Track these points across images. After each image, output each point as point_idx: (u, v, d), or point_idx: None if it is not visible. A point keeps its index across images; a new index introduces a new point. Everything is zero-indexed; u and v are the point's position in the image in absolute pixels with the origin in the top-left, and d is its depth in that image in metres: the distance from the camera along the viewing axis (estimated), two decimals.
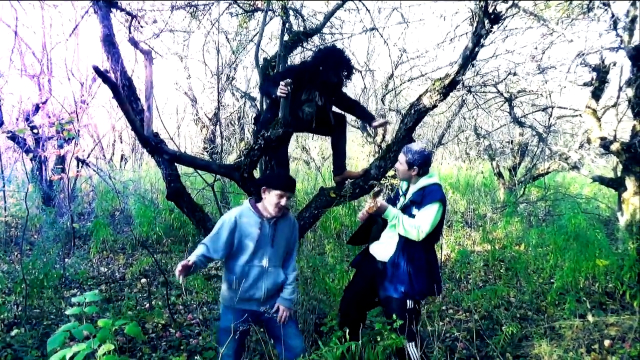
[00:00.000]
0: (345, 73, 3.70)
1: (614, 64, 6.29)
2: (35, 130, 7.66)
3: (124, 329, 2.28)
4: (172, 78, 20.91)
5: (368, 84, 8.93)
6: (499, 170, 10.79)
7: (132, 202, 7.77)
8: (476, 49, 3.53)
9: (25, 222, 5.07)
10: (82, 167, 7.97)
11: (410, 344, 2.87)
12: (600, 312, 4.30)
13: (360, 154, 11.20)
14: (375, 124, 3.88)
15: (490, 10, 3.34)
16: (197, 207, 4.18)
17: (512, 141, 10.87)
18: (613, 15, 5.63)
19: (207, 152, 9.57)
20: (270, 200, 2.81)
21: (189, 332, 4.03)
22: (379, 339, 2.76)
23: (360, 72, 7.11)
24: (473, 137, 12.33)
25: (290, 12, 4.78)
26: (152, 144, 3.68)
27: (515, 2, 3.50)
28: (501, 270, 5.79)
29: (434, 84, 3.65)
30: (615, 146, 5.88)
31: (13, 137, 7.65)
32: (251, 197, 3.01)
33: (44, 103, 7.81)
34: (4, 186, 7.55)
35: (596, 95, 6.47)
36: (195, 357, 3.55)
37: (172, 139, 5.82)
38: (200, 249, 2.78)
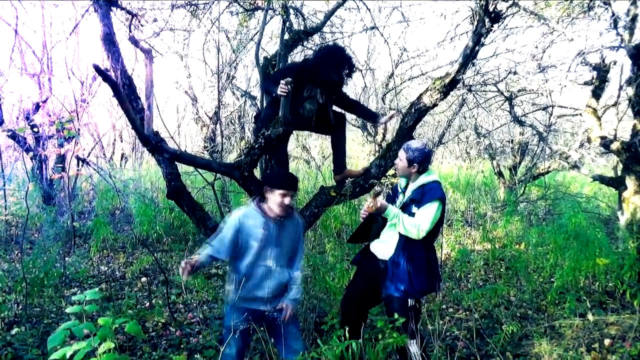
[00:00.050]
0: (347, 71, 3.70)
1: (615, 63, 6.28)
2: (35, 129, 7.66)
3: (124, 327, 2.29)
4: (172, 77, 20.93)
5: (368, 83, 8.93)
6: (499, 170, 10.79)
7: (133, 201, 7.78)
8: (477, 48, 3.53)
9: (25, 221, 5.08)
10: (82, 166, 7.97)
11: (412, 342, 2.87)
12: (601, 311, 4.31)
13: (360, 153, 11.20)
14: (382, 120, 3.88)
15: (491, 9, 3.34)
16: (198, 205, 4.18)
17: (512, 140, 10.87)
18: (613, 14, 5.62)
19: (207, 151, 9.57)
20: (274, 200, 2.82)
21: (189, 331, 4.03)
22: (379, 338, 2.76)
23: (361, 71, 7.10)
24: (473, 136, 12.33)
25: (291, 10, 4.77)
26: (153, 143, 3.68)
27: (516, 1, 3.49)
28: (501, 269, 5.79)
29: (434, 83, 3.65)
30: (615, 145, 5.87)
31: (13, 136, 7.65)
32: (256, 197, 3.02)
33: (44, 102, 7.81)
34: (4, 185, 7.56)
35: (596, 94, 6.46)
36: (196, 356, 3.55)
37: (172, 137, 5.82)
38: (206, 249, 2.80)
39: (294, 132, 4.01)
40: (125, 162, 14.97)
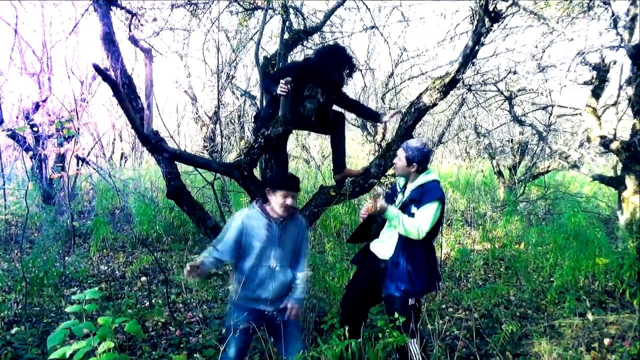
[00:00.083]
0: (347, 71, 3.70)
1: (614, 63, 6.29)
2: (35, 129, 7.66)
3: (124, 327, 2.29)
4: (172, 76, 20.90)
5: (368, 82, 8.92)
6: (499, 169, 10.80)
7: (132, 201, 7.77)
8: (476, 48, 3.53)
9: (25, 221, 5.08)
10: (82, 165, 7.97)
11: (412, 341, 2.87)
12: (600, 310, 4.31)
13: (360, 152, 11.20)
14: (386, 118, 3.88)
15: (491, 9, 3.34)
16: (197, 205, 4.18)
17: (512, 140, 10.87)
18: (613, 14, 5.63)
19: (207, 150, 9.57)
20: (276, 201, 2.83)
21: (189, 331, 4.03)
22: (379, 337, 2.76)
23: (361, 71, 7.10)
24: (473, 136, 12.33)
25: (291, 10, 4.77)
26: (152, 142, 3.68)
27: (516, 0, 3.49)
28: (501, 269, 5.79)
29: (434, 83, 3.65)
30: (615, 145, 5.88)
31: (13, 136, 7.65)
32: (259, 199, 3.02)
33: (44, 101, 7.81)
34: (4, 184, 7.55)
35: (596, 93, 6.47)
36: (195, 355, 3.55)
37: (172, 137, 5.81)
38: (208, 250, 2.83)
39: (293, 131, 4.01)
40: (125, 161, 14.96)
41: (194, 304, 4.65)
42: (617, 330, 3.83)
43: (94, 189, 8.93)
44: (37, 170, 8.14)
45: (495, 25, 3.47)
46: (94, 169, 7.78)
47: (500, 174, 10.72)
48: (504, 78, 7.10)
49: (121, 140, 15.29)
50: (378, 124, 8.42)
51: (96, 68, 3.01)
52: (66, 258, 5.77)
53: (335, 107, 3.98)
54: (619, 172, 6.39)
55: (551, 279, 5.10)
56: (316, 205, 3.93)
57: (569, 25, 6.13)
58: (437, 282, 3.12)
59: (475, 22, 3.47)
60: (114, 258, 6.23)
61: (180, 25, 5.97)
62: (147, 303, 4.60)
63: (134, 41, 4.07)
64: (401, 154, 3.07)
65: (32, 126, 7.66)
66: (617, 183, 6.23)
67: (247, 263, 2.86)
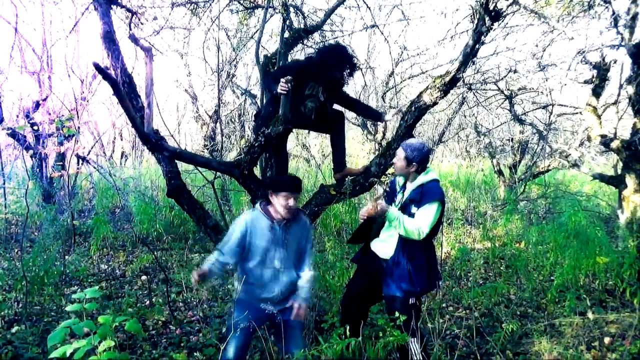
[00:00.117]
0: (348, 70, 3.71)
1: (615, 62, 6.28)
2: (35, 127, 7.66)
3: (124, 325, 2.29)
4: (172, 75, 20.89)
5: (368, 81, 8.93)
6: (499, 168, 10.80)
7: (133, 200, 7.77)
8: (477, 46, 3.52)
9: (25, 220, 5.08)
10: (82, 164, 7.96)
11: (412, 340, 2.87)
12: (600, 309, 4.31)
13: (360, 151, 11.21)
14: (386, 117, 3.88)
15: (491, 8, 3.34)
16: (198, 204, 4.18)
17: (512, 139, 10.86)
18: (614, 13, 5.61)
19: (207, 149, 9.57)
20: (279, 202, 2.85)
21: (189, 329, 4.04)
22: (379, 336, 2.76)
23: (361, 70, 7.10)
24: (473, 135, 12.33)
25: (291, 9, 4.77)
26: (153, 141, 3.68)
27: None
28: (501, 268, 5.79)
29: (434, 82, 3.65)
30: (615, 144, 5.87)
31: (13, 134, 7.65)
32: (262, 200, 3.02)
33: (44, 100, 7.80)
34: (4, 183, 7.55)
35: (596, 92, 6.46)
36: (196, 354, 3.56)
37: (172, 136, 5.81)
38: (214, 255, 2.84)
39: (293, 130, 4.01)
40: (125, 160, 14.98)
41: (194, 302, 4.65)
42: (617, 329, 3.83)
43: (94, 188, 8.93)
44: (38, 169, 8.14)
45: (496, 24, 3.46)
46: (94, 167, 7.77)
47: (500, 172, 10.72)
48: (505, 77, 7.10)
49: (121, 139, 15.30)
50: (378, 122, 8.42)
51: (96, 67, 3.01)
52: (66, 257, 5.78)
53: (335, 106, 3.98)
54: (619, 171, 6.38)
55: (551, 278, 5.10)
56: (316, 204, 3.93)
57: (569, 24, 6.12)
58: (438, 281, 3.12)
59: (476, 21, 3.47)
60: (114, 257, 6.23)
61: (180, 24, 5.98)
62: (148, 302, 4.61)
63: (134, 40, 4.07)
64: (400, 154, 3.06)
65: (32, 125, 7.66)
66: (617, 182, 6.22)
67: (251, 264, 2.88)
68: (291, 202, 2.83)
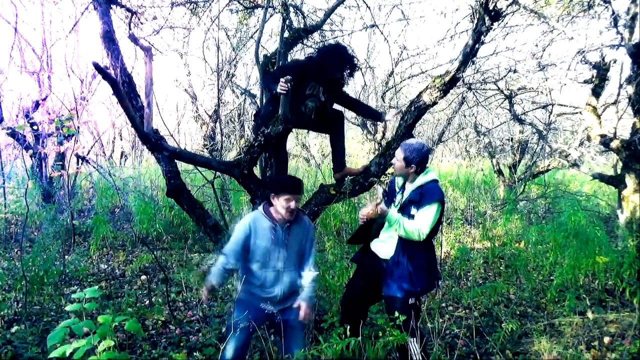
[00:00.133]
0: (348, 70, 3.71)
1: (614, 62, 6.29)
2: (35, 127, 7.65)
3: (123, 325, 2.29)
4: (172, 75, 20.89)
5: (368, 81, 8.92)
6: (499, 168, 10.80)
7: (132, 199, 7.77)
8: (476, 46, 3.53)
9: (25, 219, 5.08)
10: (82, 164, 7.96)
11: (412, 340, 2.87)
12: (600, 309, 4.31)
13: (360, 151, 11.21)
14: (387, 117, 3.88)
15: (491, 7, 3.34)
16: (197, 204, 4.18)
17: (512, 139, 10.87)
18: (613, 13, 5.62)
19: (207, 149, 9.57)
20: (280, 204, 2.85)
21: (189, 329, 4.03)
22: (379, 335, 2.76)
23: (360, 69, 7.10)
24: (473, 135, 12.34)
25: (291, 8, 4.77)
26: (152, 141, 3.68)
27: None
28: (501, 268, 5.79)
29: (434, 81, 3.65)
30: (615, 143, 5.88)
31: (13, 134, 7.65)
32: (264, 202, 3.03)
33: (43, 100, 7.80)
34: (4, 183, 7.55)
35: (596, 92, 6.47)
36: (195, 354, 3.55)
37: (172, 135, 5.81)
38: (219, 261, 2.85)
39: (293, 130, 4.02)
40: (125, 160, 14.97)
41: (194, 302, 4.65)
42: (617, 329, 3.83)
43: (94, 188, 8.92)
44: (37, 169, 8.14)
45: (496, 23, 3.47)
46: (94, 167, 7.77)
47: (500, 172, 10.73)
48: (504, 77, 7.11)
49: (121, 139, 15.30)
50: (378, 122, 8.42)
51: (96, 66, 3.01)
52: (66, 257, 5.77)
53: (334, 106, 3.98)
54: (619, 171, 6.39)
55: (551, 278, 5.10)
56: (316, 204, 3.93)
57: (569, 24, 6.13)
58: (437, 281, 3.12)
59: (476, 21, 3.47)
60: (114, 257, 6.23)
61: (180, 24, 5.97)
62: (147, 302, 4.60)
63: (134, 39, 4.06)
64: (399, 154, 3.05)
65: (32, 125, 7.66)
66: (617, 182, 6.23)
67: (253, 265, 2.89)
68: (292, 204, 2.83)
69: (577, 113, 8.16)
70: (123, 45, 4.03)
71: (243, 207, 7.46)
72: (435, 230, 3.03)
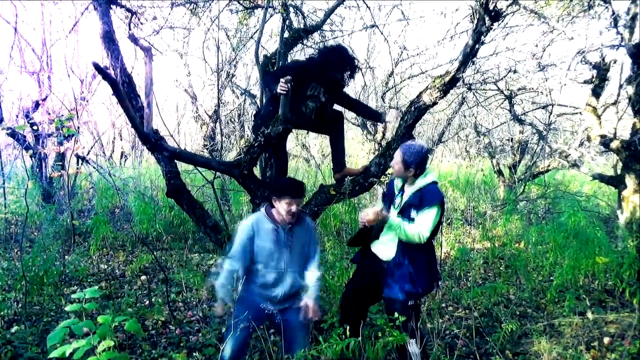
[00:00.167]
0: (349, 72, 3.72)
1: (615, 62, 6.28)
2: (35, 127, 7.65)
3: (123, 325, 2.29)
4: (172, 75, 20.91)
5: (368, 81, 8.92)
6: (499, 168, 10.80)
7: (132, 199, 7.77)
8: (476, 47, 3.53)
9: (25, 219, 5.07)
10: (82, 164, 7.97)
11: (411, 341, 2.87)
12: (600, 309, 4.31)
13: (360, 151, 11.21)
14: (388, 118, 3.88)
15: (491, 8, 3.34)
16: (197, 204, 4.18)
17: (512, 139, 10.87)
18: (614, 13, 5.62)
19: (207, 149, 9.57)
20: (281, 207, 2.85)
21: (189, 329, 4.03)
22: (379, 336, 2.76)
23: (360, 70, 7.11)
24: (473, 135, 12.34)
25: (291, 9, 4.77)
26: (152, 141, 3.68)
27: None
28: (501, 268, 5.80)
29: (434, 82, 3.65)
30: (615, 144, 5.88)
31: (13, 134, 7.64)
32: (266, 203, 3.02)
33: (43, 100, 7.80)
34: (3, 183, 7.55)
35: (596, 92, 6.47)
36: (195, 354, 3.55)
37: (172, 136, 5.81)
38: (225, 268, 2.84)
39: (293, 130, 4.02)
40: (125, 160, 14.97)
41: (194, 302, 4.65)
42: (616, 329, 3.83)
43: (94, 188, 8.92)
44: (37, 169, 8.14)
45: (496, 24, 3.47)
46: (93, 167, 7.77)
47: (500, 172, 10.73)
48: (504, 77, 7.11)
49: (121, 139, 15.30)
50: (378, 123, 8.42)
51: (96, 67, 3.01)
52: (66, 257, 5.77)
53: (334, 106, 3.98)
54: (619, 171, 6.39)
55: (551, 278, 5.10)
56: (316, 204, 3.93)
57: (569, 24, 6.13)
58: (437, 282, 3.12)
59: (476, 21, 3.47)
60: (113, 257, 6.23)
61: (180, 24, 5.98)
62: (147, 302, 4.60)
63: (134, 40, 4.07)
64: (398, 157, 3.02)
65: (32, 125, 7.66)
66: (617, 182, 6.23)
67: (256, 266, 2.90)
68: (293, 207, 2.83)
69: (577, 113, 8.15)
70: (123, 45, 4.03)
71: (243, 207, 7.46)
72: (435, 231, 3.03)
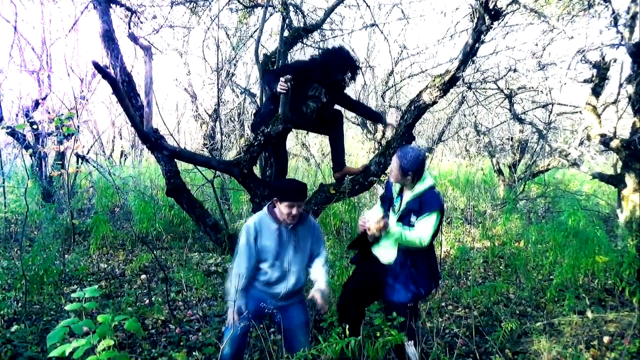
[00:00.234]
0: (350, 74, 3.73)
1: (614, 61, 6.28)
2: (34, 126, 7.65)
3: (123, 324, 2.29)
4: (171, 74, 20.88)
5: (368, 80, 8.92)
6: (499, 167, 10.80)
7: (132, 198, 7.77)
8: (476, 46, 3.52)
9: (25, 218, 5.07)
10: (81, 163, 7.96)
11: (410, 342, 2.87)
12: (600, 308, 4.31)
13: (360, 150, 11.21)
14: (389, 121, 3.90)
15: (491, 7, 3.34)
16: (197, 203, 4.18)
17: (512, 138, 10.87)
18: (614, 12, 5.62)
19: (206, 148, 9.57)
20: (282, 210, 2.84)
21: (189, 328, 4.03)
22: (378, 335, 2.76)
23: (360, 69, 7.11)
24: (473, 134, 12.34)
25: (291, 8, 4.77)
26: (152, 140, 3.68)
27: None
28: (500, 267, 5.80)
29: (434, 81, 3.65)
30: (615, 143, 5.88)
31: (13, 133, 7.64)
32: (268, 203, 3.02)
33: (43, 99, 7.80)
34: (3, 182, 7.55)
35: (596, 92, 6.47)
36: (195, 353, 3.55)
37: (171, 135, 5.81)
38: (235, 271, 2.84)
39: (293, 130, 4.02)
40: (125, 159, 14.97)
41: (194, 301, 4.65)
42: (616, 328, 3.83)
43: (94, 187, 8.92)
44: (37, 168, 8.14)
45: (496, 23, 3.47)
46: (93, 166, 7.77)
47: (500, 172, 10.73)
48: (504, 76, 7.11)
49: (121, 138, 15.30)
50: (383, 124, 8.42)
51: (96, 66, 3.01)
52: (66, 256, 5.77)
53: (334, 106, 3.98)
54: (618, 170, 6.39)
55: (551, 277, 5.10)
56: (316, 204, 3.94)
57: (569, 23, 6.13)
58: (437, 282, 3.12)
59: (476, 20, 3.47)
60: (113, 256, 6.23)
61: (180, 23, 5.98)
62: (147, 301, 4.60)
63: (134, 39, 4.06)
64: (396, 162, 2.98)
65: (31, 124, 7.65)
66: (616, 181, 6.23)
67: (261, 264, 2.90)
68: (294, 210, 2.81)
69: (577, 112, 8.15)
70: (123, 44, 4.04)
71: (243, 206, 7.46)
72: (435, 233, 3.02)
